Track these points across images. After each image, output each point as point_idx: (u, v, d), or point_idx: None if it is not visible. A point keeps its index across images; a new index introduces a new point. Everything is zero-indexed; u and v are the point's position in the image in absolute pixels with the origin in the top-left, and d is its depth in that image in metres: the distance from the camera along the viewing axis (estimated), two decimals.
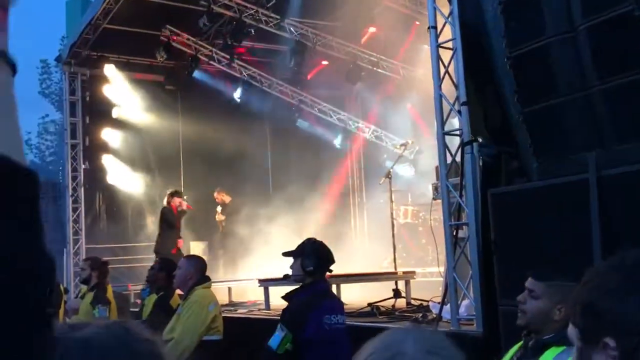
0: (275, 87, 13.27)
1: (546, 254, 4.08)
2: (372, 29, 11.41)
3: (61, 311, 7.53)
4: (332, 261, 4.49)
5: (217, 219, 12.14)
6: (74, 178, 12.69)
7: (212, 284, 5.81)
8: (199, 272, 5.50)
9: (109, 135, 12.81)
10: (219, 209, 12.08)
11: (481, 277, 4.72)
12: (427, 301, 6.63)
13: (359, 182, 14.38)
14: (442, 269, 6.62)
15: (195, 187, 12.83)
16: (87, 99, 12.89)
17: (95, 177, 12.85)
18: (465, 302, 5.14)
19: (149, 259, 10.43)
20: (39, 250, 0.62)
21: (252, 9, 11.27)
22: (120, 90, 12.85)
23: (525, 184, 4.44)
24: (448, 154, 5.30)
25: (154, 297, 6.24)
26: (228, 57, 12.53)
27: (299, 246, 4.52)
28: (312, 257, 4.34)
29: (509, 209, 4.47)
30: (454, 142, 5.35)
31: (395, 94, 11.41)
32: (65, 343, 0.93)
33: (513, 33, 4.23)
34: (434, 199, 6.95)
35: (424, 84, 8.02)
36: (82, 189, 12.69)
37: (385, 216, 8.72)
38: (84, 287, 6.90)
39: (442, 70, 5.33)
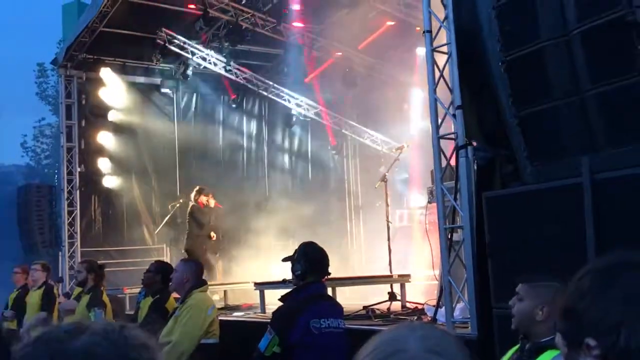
0: (271, 91, 13.29)
1: (540, 257, 4.10)
2: (368, 33, 11.43)
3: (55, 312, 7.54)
4: (327, 264, 4.47)
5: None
6: (70, 181, 12.67)
7: (208, 287, 5.82)
8: (195, 275, 5.50)
9: (105, 138, 12.80)
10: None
11: (476, 280, 4.73)
12: (422, 304, 6.63)
13: (355, 186, 14.39)
14: (437, 272, 6.63)
15: (191, 191, 12.81)
16: (83, 102, 12.88)
17: (90, 180, 12.84)
18: (459, 305, 5.16)
19: (144, 262, 10.41)
20: None
21: (249, 13, 11.29)
22: (116, 93, 12.84)
23: (519, 187, 4.46)
24: (443, 158, 5.31)
25: (149, 300, 6.23)
26: (224, 60, 12.54)
27: (294, 251, 4.53)
28: (301, 260, 4.34)
29: (504, 212, 4.49)
30: (449, 146, 5.37)
31: (392, 97, 11.42)
32: (63, 353, 0.93)
33: (507, 37, 4.25)
34: (429, 202, 6.97)
35: (420, 88, 8.05)
36: (78, 192, 12.67)
37: (381, 219, 8.73)
38: (77, 289, 6.90)
39: (437, 74, 5.35)
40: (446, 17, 5.16)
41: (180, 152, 13.60)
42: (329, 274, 4.52)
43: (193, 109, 13.54)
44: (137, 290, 7.69)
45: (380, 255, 11.23)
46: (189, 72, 13.06)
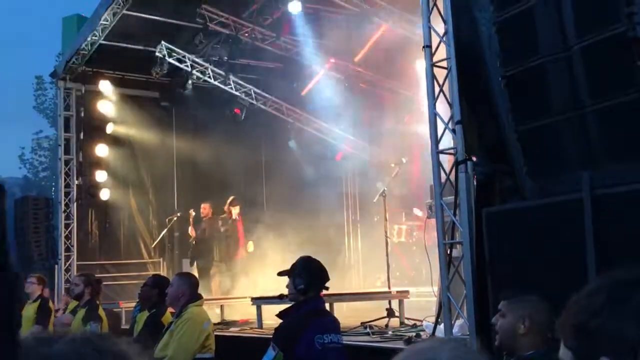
0: (270, 104, 13.30)
1: (540, 273, 4.08)
2: (366, 47, 11.47)
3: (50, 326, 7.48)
4: (326, 279, 4.47)
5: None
6: (67, 194, 12.65)
7: (205, 302, 5.79)
8: (190, 289, 5.48)
9: (103, 151, 12.79)
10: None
11: (475, 297, 4.70)
12: (421, 321, 6.60)
13: (353, 200, 14.37)
14: (435, 288, 6.60)
15: (189, 205, 12.80)
16: (82, 114, 12.88)
17: (88, 193, 12.81)
18: (459, 322, 5.13)
19: (140, 277, 10.37)
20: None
21: (249, 27, 11.33)
22: (115, 106, 12.85)
23: (519, 203, 4.45)
24: (442, 173, 5.30)
25: (145, 314, 6.20)
26: (223, 74, 12.57)
27: (292, 265, 4.51)
28: (304, 275, 4.32)
29: (503, 227, 4.47)
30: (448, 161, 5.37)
31: (391, 111, 11.44)
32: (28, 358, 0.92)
33: (507, 52, 4.26)
34: (427, 217, 6.95)
35: (419, 101, 8.07)
36: (75, 204, 12.64)
37: (379, 235, 8.71)
38: (73, 302, 6.86)
39: (437, 89, 5.35)
40: (446, 32, 5.18)
41: (178, 165, 13.60)
42: (327, 288, 4.51)
43: (191, 122, 13.54)
44: (133, 304, 7.64)
45: (378, 271, 11.21)
46: (188, 85, 13.08)
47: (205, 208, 12.00)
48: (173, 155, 13.62)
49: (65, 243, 12.50)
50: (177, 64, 12.52)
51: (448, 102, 5.24)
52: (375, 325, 6.72)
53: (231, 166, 12.83)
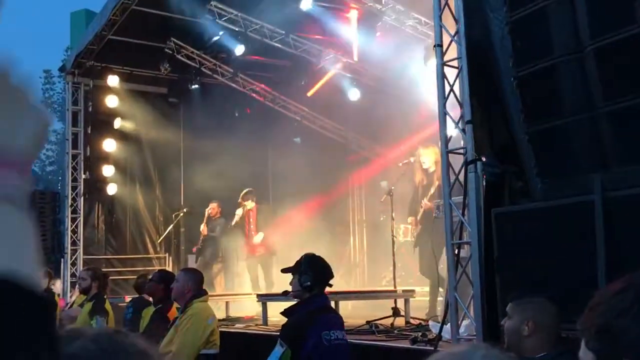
0: (278, 102, 13.29)
1: (549, 275, 4.05)
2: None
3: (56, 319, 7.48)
4: (331, 276, 4.47)
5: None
6: (74, 188, 12.66)
7: (210, 298, 5.79)
8: (196, 285, 5.49)
9: (111, 146, 12.80)
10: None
11: (482, 297, 4.68)
12: (427, 320, 6.58)
13: (359, 199, 14.35)
14: (442, 288, 6.59)
15: (196, 201, 12.80)
16: (90, 109, 12.89)
17: (95, 187, 12.82)
18: (465, 322, 5.10)
19: (146, 271, 10.37)
20: None
21: (257, 24, 11.31)
22: (123, 101, 12.86)
23: (529, 204, 4.42)
24: (451, 173, 5.27)
25: (151, 309, 6.20)
26: (232, 70, 12.56)
27: (296, 262, 4.50)
28: (310, 272, 4.32)
29: (513, 228, 4.45)
30: (457, 161, 5.34)
31: (399, 108, 11.40)
32: None
33: (520, 52, 4.23)
34: (435, 217, 6.93)
35: (428, 101, 8.04)
36: (82, 199, 12.65)
37: (385, 234, 8.68)
38: (81, 296, 6.86)
39: (447, 88, 5.32)
40: (457, 32, 5.15)
41: (185, 161, 13.59)
42: (331, 285, 4.52)
43: (199, 118, 13.53)
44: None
45: (383, 269, 11.19)
46: (197, 82, 13.09)
47: (214, 208, 11.98)
48: (180, 151, 13.62)
49: (71, 237, 12.52)
50: (185, 60, 12.53)
51: (458, 102, 5.21)
52: (381, 324, 6.69)
53: (238, 163, 12.83)
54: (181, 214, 12.66)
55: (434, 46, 5.38)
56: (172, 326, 5.36)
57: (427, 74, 7.63)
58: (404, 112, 11.17)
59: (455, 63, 5.24)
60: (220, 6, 11.19)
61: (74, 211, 12.61)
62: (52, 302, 7.70)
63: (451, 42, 5.29)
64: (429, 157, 7.54)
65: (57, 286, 8.08)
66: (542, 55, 4.07)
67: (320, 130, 13.55)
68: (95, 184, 12.81)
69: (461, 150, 5.12)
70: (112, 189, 12.86)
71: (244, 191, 11.32)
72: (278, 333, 4.32)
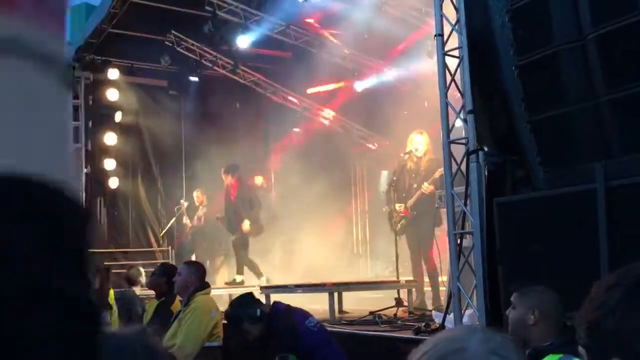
0: (278, 94, 13.27)
1: (552, 264, 4.05)
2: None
3: None
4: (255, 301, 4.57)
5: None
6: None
7: (212, 291, 5.81)
8: (198, 278, 5.50)
9: (112, 140, 12.79)
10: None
11: (485, 287, 4.69)
12: (430, 310, 6.59)
13: (362, 190, 14.35)
14: (445, 278, 6.58)
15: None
16: (90, 102, 12.88)
17: (96, 181, 12.83)
18: (469, 312, 5.11)
19: (150, 265, 10.39)
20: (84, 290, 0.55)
21: (258, 16, 11.28)
22: (123, 94, 12.85)
23: (531, 194, 4.42)
24: (453, 163, 5.27)
25: (155, 302, 6.21)
26: (232, 63, 12.53)
27: (230, 317, 4.63)
28: (248, 311, 4.35)
29: (515, 218, 4.45)
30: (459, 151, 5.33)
31: (401, 102, 11.38)
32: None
33: (521, 41, 4.22)
34: (438, 207, 6.92)
35: (430, 90, 8.02)
36: (84, 193, 12.65)
37: (388, 224, 8.67)
38: None
39: (448, 78, 5.31)
40: (458, 21, 5.13)
41: (186, 154, 13.59)
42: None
43: (200, 111, 13.52)
44: (145, 292, 7.68)
45: (386, 260, 11.20)
46: (197, 74, 13.07)
47: (199, 195, 12.03)
48: (182, 144, 13.62)
49: None
50: (185, 52, 12.50)
51: (460, 92, 5.20)
52: (384, 315, 6.70)
53: (239, 154, 12.82)
54: (183, 207, 12.67)
55: (435, 36, 5.36)
56: (175, 319, 5.38)
57: (431, 65, 7.60)
58: (407, 103, 11.17)
59: (456, 53, 5.23)
60: None
61: None
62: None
63: (452, 31, 5.27)
64: (421, 144, 7.53)
65: None
66: (543, 43, 4.05)
67: (321, 121, 13.53)
68: (97, 178, 12.82)
69: (463, 140, 5.12)
70: (113, 183, 12.87)
71: (225, 167, 11.07)
72: None
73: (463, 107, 5.10)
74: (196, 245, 12.14)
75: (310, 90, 13.02)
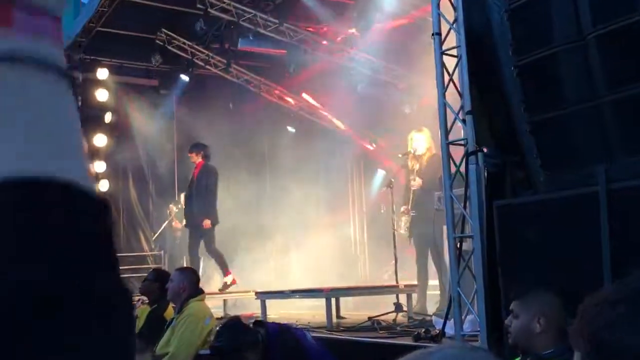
0: (273, 93, 13.29)
1: (553, 269, 4.07)
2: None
3: None
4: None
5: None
6: None
7: (207, 297, 5.83)
8: (191, 284, 5.51)
9: (102, 141, 12.80)
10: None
11: (486, 292, 4.70)
12: (430, 316, 6.61)
13: (359, 191, 14.36)
14: (442, 280, 6.61)
15: None
16: (80, 103, 12.87)
17: None
18: (469, 317, 5.13)
19: (141, 269, 10.40)
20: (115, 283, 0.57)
21: (251, 13, 11.29)
22: (113, 95, 12.86)
23: (531, 196, 4.44)
24: (452, 164, 5.29)
25: (146, 309, 6.22)
26: (224, 61, 12.55)
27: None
28: (248, 339, 4.25)
29: (515, 221, 4.46)
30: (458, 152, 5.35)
31: (397, 101, 11.41)
32: None
33: (520, 41, 4.24)
34: (437, 209, 6.95)
35: (427, 91, 8.05)
36: None
37: (386, 227, 8.71)
38: None
39: (447, 78, 5.33)
40: (456, 19, 5.15)
41: (178, 155, 13.60)
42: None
43: (192, 111, 13.53)
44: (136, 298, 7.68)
45: (385, 264, 11.22)
46: (189, 73, 13.08)
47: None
48: (173, 144, 13.63)
49: None
50: (177, 51, 12.52)
51: (458, 92, 5.22)
52: (383, 321, 6.73)
53: (232, 155, 12.84)
54: (176, 210, 12.68)
55: (432, 34, 5.39)
56: (168, 327, 5.39)
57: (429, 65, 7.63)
58: (405, 102, 11.20)
59: (454, 52, 5.25)
60: None
61: None
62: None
63: (450, 30, 5.30)
64: (422, 142, 7.56)
65: None
66: (543, 43, 4.07)
67: (316, 121, 13.54)
68: None
69: (462, 142, 5.14)
70: (104, 185, 12.87)
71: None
72: None
73: (462, 107, 5.13)
74: (184, 252, 12.13)
75: (305, 93, 13.04)
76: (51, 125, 0.56)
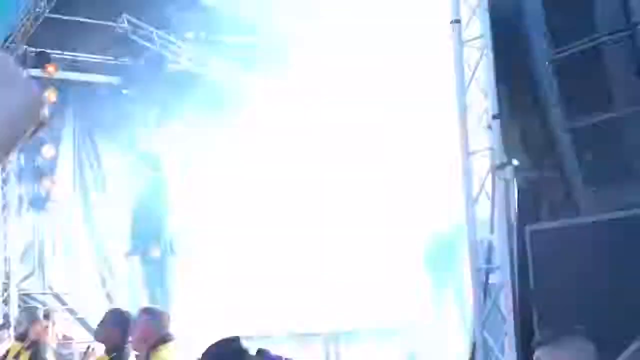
0: (254, 84, 13.30)
1: (598, 306, 4.06)
2: None
3: None
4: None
5: None
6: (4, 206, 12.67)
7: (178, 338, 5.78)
8: (159, 328, 5.47)
9: (50, 153, 12.76)
10: None
11: (518, 335, 4.69)
12: None
13: None
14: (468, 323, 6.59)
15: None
16: None
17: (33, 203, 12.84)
18: None
19: None
20: None
21: None
22: (65, 95, 12.83)
23: (573, 219, 4.44)
24: (474, 180, 5.28)
25: (104, 358, 6.18)
26: (200, 54, 12.53)
27: None
28: None
29: (553, 249, 4.46)
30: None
31: None
32: None
33: (557, 31, 4.25)
34: None
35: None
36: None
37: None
38: (15, 345, 6.84)
39: (468, 74, 5.33)
40: (479, 5, 5.16)
41: (143, 166, 13.60)
42: None
43: (161, 113, 13.51)
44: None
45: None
46: (158, 68, 13.04)
47: None
48: (138, 152, 13.61)
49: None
50: (142, 41, 12.49)
51: (482, 92, 5.23)
52: None
53: (210, 160, 12.87)
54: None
55: (451, 22, 5.39)
56: None
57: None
58: None
59: (477, 43, 5.26)
60: None
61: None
62: None
63: (472, 17, 5.30)
64: None
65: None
66: (584, 33, 4.09)
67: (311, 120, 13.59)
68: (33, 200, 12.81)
69: (486, 152, 5.13)
70: (56, 203, 12.87)
71: None
72: None
73: (486, 110, 5.13)
74: None
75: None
76: None
